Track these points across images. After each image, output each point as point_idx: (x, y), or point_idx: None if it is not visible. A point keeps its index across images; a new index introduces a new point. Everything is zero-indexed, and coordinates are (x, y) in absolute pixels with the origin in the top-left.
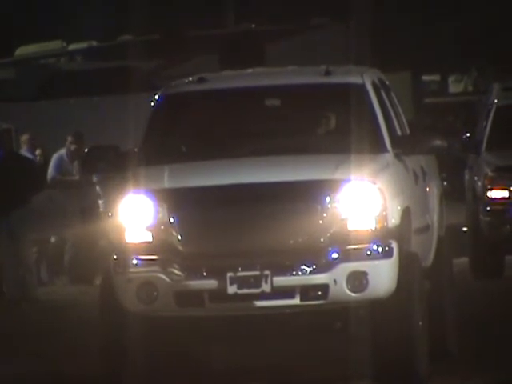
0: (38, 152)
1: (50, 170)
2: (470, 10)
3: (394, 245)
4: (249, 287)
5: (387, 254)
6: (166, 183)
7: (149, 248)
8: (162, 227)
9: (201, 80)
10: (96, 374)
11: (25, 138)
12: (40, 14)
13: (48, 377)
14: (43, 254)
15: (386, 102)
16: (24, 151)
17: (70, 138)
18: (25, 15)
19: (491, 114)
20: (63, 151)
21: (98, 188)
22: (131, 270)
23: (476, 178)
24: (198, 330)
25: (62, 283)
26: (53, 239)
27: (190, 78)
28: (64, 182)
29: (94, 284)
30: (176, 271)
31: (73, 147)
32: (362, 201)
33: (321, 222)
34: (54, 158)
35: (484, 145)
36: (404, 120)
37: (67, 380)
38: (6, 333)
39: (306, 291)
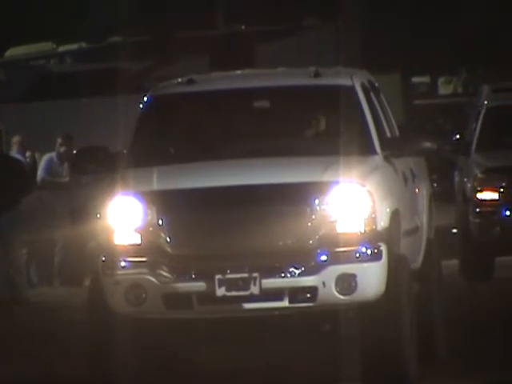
0: (27, 154)
1: (40, 172)
2: (461, 11)
3: (383, 247)
4: (237, 289)
5: (376, 257)
6: (155, 185)
7: (137, 250)
8: (151, 229)
9: (190, 81)
10: (86, 376)
11: (16, 139)
12: (30, 15)
13: (40, 378)
14: (33, 256)
15: (376, 103)
16: (14, 153)
17: (59, 140)
18: (15, 16)
19: (481, 116)
20: (53, 153)
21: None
22: (119, 271)
23: (466, 179)
24: (186, 332)
25: (52, 285)
26: (42, 241)
27: (179, 80)
28: (54, 184)
29: (84, 286)
30: (164, 273)
31: (62, 149)
32: (351, 203)
33: (310, 224)
34: (44, 159)
35: (474, 146)
36: (393, 122)
37: (59, 381)
38: None
39: (295, 293)
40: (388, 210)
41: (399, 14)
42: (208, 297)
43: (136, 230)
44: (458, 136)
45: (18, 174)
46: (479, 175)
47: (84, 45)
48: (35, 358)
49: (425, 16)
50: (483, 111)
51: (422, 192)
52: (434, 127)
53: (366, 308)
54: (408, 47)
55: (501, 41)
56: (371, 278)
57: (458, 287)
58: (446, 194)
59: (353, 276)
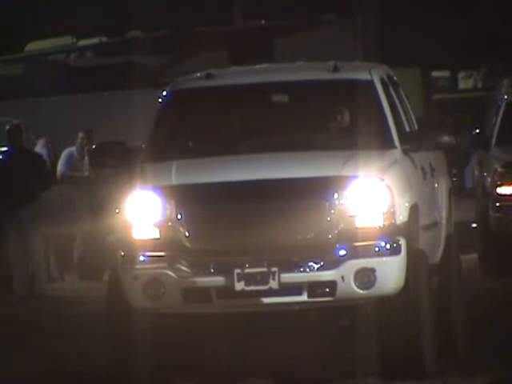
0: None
1: (60, 166)
2: (480, 6)
3: (402, 241)
4: (256, 284)
5: (395, 251)
6: (174, 179)
7: (156, 244)
8: (170, 224)
9: (208, 76)
10: (104, 371)
11: (41, 141)
12: (50, 9)
13: (58, 373)
14: (52, 250)
15: (395, 98)
16: (40, 148)
17: (80, 134)
18: (35, 11)
19: (501, 110)
20: (73, 148)
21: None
22: (138, 266)
23: (485, 173)
24: (205, 327)
25: (72, 279)
26: (62, 235)
27: (198, 74)
28: (73, 178)
29: (103, 280)
30: (183, 268)
31: (83, 143)
32: (370, 197)
33: (329, 218)
34: (64, 153)
35: (493, 140)
36: (412, 116)
37: (76, 376)
38: (16, 330)
39: (314, 288)
40: (407, 204)
41: (419, 9)
42: (227, 291)
43: (155, 225)
44: (477, 130)
45: (38, 168)
46: (499, 169)
47: (104, 39)
48: (53, 353)
49: (444, 10)
50: (503, 105)
51: (441, 186)
52: (454, 122)
53: (384, 302)
54: (428, 42)
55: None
56: (390, 273)
57: (477, 282)
58: (466, 188)
59: (372, 270)
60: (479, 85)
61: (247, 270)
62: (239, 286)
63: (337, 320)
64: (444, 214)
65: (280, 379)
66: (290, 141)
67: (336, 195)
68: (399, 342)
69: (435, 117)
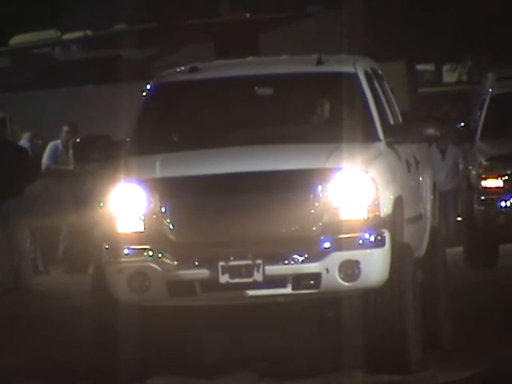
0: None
1: (45, 159)
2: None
3: (387, 234)
4: (241, 276)
5: (379, 243)
6: (158, 173)
7: (140, 238)
8: (154, 217)
9: (193, 69)
10: (89, 364)
11: (27, 135)
12: (35, 2)
13: (43, 368)
14: (37, 243)
15: (379, 90)
16: (25, 142)
17: (65, 128)
18: (19, 4)
19: (486, 104)
20: (58, 141)
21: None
22: (123, 259)
23: (470, 167)
24: (190, 320)
25: (57, 273)
26: (47, 228)
27: (182, 68)
28: (58, 171)
29: (89, 273)
30: (168, 261)
31: (68, 137)
32: (354, 190)
33: (313, 211)
34: (49, 147)
35: (478, 134)
36: (397, 109)
37: (62, 369)
38: (2, 325)
39: (298, 280)
40: (391, 196)
41: (405, 2)
42: (211, 284)
43: (139, 218)
44: (462, 124)
45: (23, 161)
46: (484, 163)
47: (89, 32)
48: (40, 347)
49: (430, 3)
50: (488, 99)
51: (426, 179)
52: (441, 115)
53: (369, 295)
54: (413, 35)
55: (496, 30)
56: (375, 265)
57: (462, 275)
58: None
59: (356, 262)
60: (464, 78)
61: (232, 263)
62: (224, 278)
63: (322, 313)
64: (429, 206)
65: (265, 373)
66: (274, 133)
67: (320, 187)
68: (384, 336)
69: (422, 110)
